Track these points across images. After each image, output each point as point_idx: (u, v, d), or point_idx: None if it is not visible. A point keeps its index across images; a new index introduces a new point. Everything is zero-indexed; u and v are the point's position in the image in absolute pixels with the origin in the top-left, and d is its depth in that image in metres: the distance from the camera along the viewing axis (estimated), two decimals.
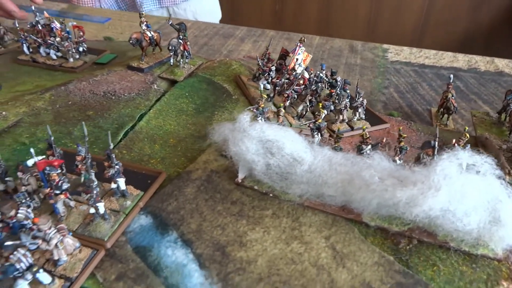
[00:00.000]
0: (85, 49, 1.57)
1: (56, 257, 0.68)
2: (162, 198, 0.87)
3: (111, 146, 0.80)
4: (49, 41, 1.50)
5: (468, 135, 0.86)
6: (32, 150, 0.76)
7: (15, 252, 0.62)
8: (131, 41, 1.31)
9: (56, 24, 1.51)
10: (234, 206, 0.86)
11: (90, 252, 0.74)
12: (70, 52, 1.52)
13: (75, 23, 1.55)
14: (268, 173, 0.83)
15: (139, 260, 0.74)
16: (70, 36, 1.52)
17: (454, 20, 3.76)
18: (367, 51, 1.83)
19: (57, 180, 0.74)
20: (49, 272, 0.69)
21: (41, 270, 0.65)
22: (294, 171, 0.80)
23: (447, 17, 3.74)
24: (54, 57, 1.54)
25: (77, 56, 1.55)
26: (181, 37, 1.29)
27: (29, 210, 0.70)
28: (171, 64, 1.33)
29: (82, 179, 0.82)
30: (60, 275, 0.69)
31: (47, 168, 0.73)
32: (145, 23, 1.33)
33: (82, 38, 1.55)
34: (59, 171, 0.75)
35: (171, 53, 1.30)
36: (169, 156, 1.01)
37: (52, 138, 0.80)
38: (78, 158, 0.80)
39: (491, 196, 0.70)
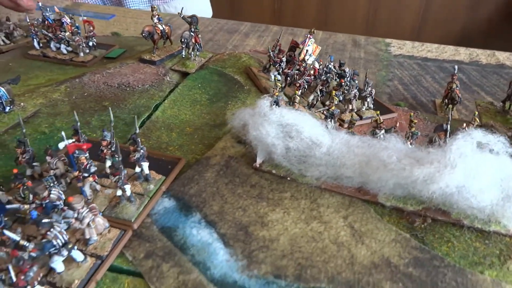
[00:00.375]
0: (94, 43, 1.59)
1: (87, 236, 0.71)
2: (183, 182, 0.90)
3: (137, 130, 0.82)
4: (60, 35, 1.53)
5: (478, 119, 0.89)
6: (63, 133, 0.78)
7: (51, 229, 0.64)
8: (143, 34, 1.34)
9: (67, 19, 1.53)
10: (254, 189, 0.88)
11: (118, 232, 0.76)
12: (81, 47, 1.54)
13: (85, 17, 1.57)
14: (288, 156, 0.85)
15: (165, 239, 0.77)
16: (79, 31, 1.54)
17: (451, 18, 3.81)
18: (370, 45, 1.87)
19: (85, 163, 0.77)
20: (81, 251, 0.71)
21: (75, 247, 0.68)
22: (313, 154, 0.83)
23: (445, 15, 3.79)
24: (65, 51, 1.56)
25: (87, 51, 1.57)
26: (192, 29, 1.32)
27: (61, 191, 0.73)
28: (183, 56, 1.36)
29: (108, 163, 0.84)
30: (91, 253, 0.72)
31: (76, 151, 0.75)
32: (156, 16, 1.36)
33: (92, 33, 1.58)
34: (87, 154, 0.78)
35: (183, 46, 1.33)
36: (187, 144, 1.03)
37: (78, 124, 0.83)
38: (104, 143, 0.82)
39: (504, 174, 0.74)
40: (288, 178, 0.90)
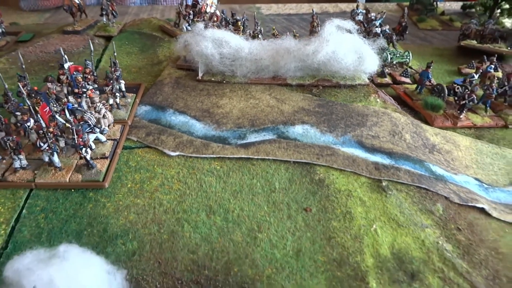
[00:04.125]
0: (4, 30, 1.72)
1: (103, 126, 0.98)
2: (150, 96, 1.20)
3: (115, 54, 1.10)
4: None
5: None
6: (66, 56, 1.02)
7: (85, 114, 0.91)
8: (64, 8, 1.55)
9: None
10: (202, 91, 1.23)
11: (119, 126, 1.04)
12: None
13: None
14: (222, 61, 1.22)
15: (155, 125, 1.08)
16: None
17: None
18: (246, 10, 2.31)
19: (82, 82, 1.02)
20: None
21: (99, 129, 0.95)
22: (238, 56, 1.20)
23: None
24: None
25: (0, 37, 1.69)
26: None
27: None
28: (104, 22, 1.61)
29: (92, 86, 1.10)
30: (108, 138, 0.99)
31: (75, 72, 1.01)
32: None
33: (0, 20, 1.70)
34: (81, 75, 1.03)
35: (103, 13, 1.57)
36: (138, 78, 1.32)
37: (65, 58, 1.07)
38: (87, 70, 1.08)
39: (356, 44, 1.21)
40: (224, 82, 1.26)
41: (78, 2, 1.60)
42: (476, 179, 1.02)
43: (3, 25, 1.71)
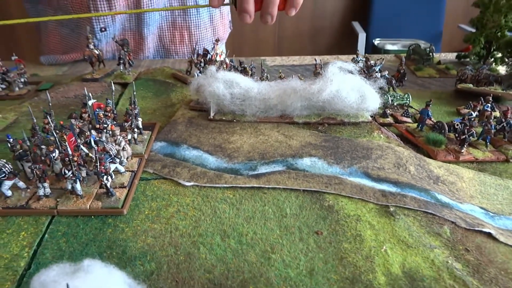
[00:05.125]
0: (26, 80, 1.84)
1: (122, 157, 1.04)
2: (165, 133, 1.27)
3: (135, 93, 1.18)
4: None
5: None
6: (89, 94, 1.10)
7: (106, 144, 0.97)
8: (85, 57, 1.67)
9: None
10: (214, 129, 1.30)
11: (137, 159, 1.10)
12: (16, 82, 1.77)
13: (16, 57, 1.81)
14: (233, 101, 1.30)
15: (170, 159, 1.13)
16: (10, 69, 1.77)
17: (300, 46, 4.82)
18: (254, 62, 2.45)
19: (103, 118, 1.10)
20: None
21: (118, 161, 1.00)
22: (249, 95, 1.28)
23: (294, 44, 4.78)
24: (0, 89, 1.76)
25: (21, 86, 1.80)
26: (125, 50, 1.70)
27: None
28: (121, 70, 1.72)
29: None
30: (126, 170, 1.05)
31: (97, 109, 1.08)
32: (92, 43, 1.70)
33: (23, 70, 1.82)
34: (103, 112, 1.10)
35: (120, 62, 1.69)
36: (153, 118, 1.40)
37: (87, 96, 1.15)
38: (108, 108, 1.16)
39: (358, 84, 1.30)
40: (234, 120, 1.34)
41: (97, 52, 1.72)
42: (482, 208, 1.05)
43: (25, 75, 1.83)
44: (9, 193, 0.94)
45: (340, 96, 1.25)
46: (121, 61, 1.69)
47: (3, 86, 1.78)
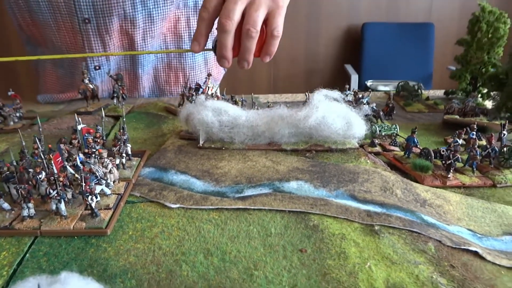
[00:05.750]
0: (21, 114, 1.87)
1: (109, 180, 1.04)
2: (154, 160, 1.28)
3: (124, 119, 1.20)
4: None
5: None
6: (79, 119, 1.12)
7: (92, 166, 0.98)
8: (80, 91, 1.71)
9: None
10: (203, 156, 1.31)
11: (124, 183, 1.11)
12: (12, 116, 1.80)
13: (13, 92, 1.85)
14: (222, 128, 1.32)
15: (158, 183, 1.14)
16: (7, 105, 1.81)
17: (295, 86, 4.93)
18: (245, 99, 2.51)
19: (91, 143, 1.11)
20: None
21: (104, 183, 1.01)
22: (237, 123, 1.31)
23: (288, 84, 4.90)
24: None
25: (16, 120, 1.83)
26: (119, 84, 1.74)
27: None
28: (115, 104, 1.76)
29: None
30: (113, 192, 1.05)
31: (86, 134, 1.10)
32: (87, 78, 1.75)
33: (19, 105, 1.86)
34: (92, 137, 1.12)
35: (114, 95, 1.73)
36: (143, 147, 1.42)
37: (78, 120, 1.17)
38: (97, 135, 1.18)
39: (344, 111, 1.33)
40: (223, 148, 1.36)
41: (92, 86, 1.76)
42: (469, 229, 1.05)
43: (21, 110, 1.86)
44: None
45: (326, 123, 1.28)
46: (115, 95, 1.73)
47: None
